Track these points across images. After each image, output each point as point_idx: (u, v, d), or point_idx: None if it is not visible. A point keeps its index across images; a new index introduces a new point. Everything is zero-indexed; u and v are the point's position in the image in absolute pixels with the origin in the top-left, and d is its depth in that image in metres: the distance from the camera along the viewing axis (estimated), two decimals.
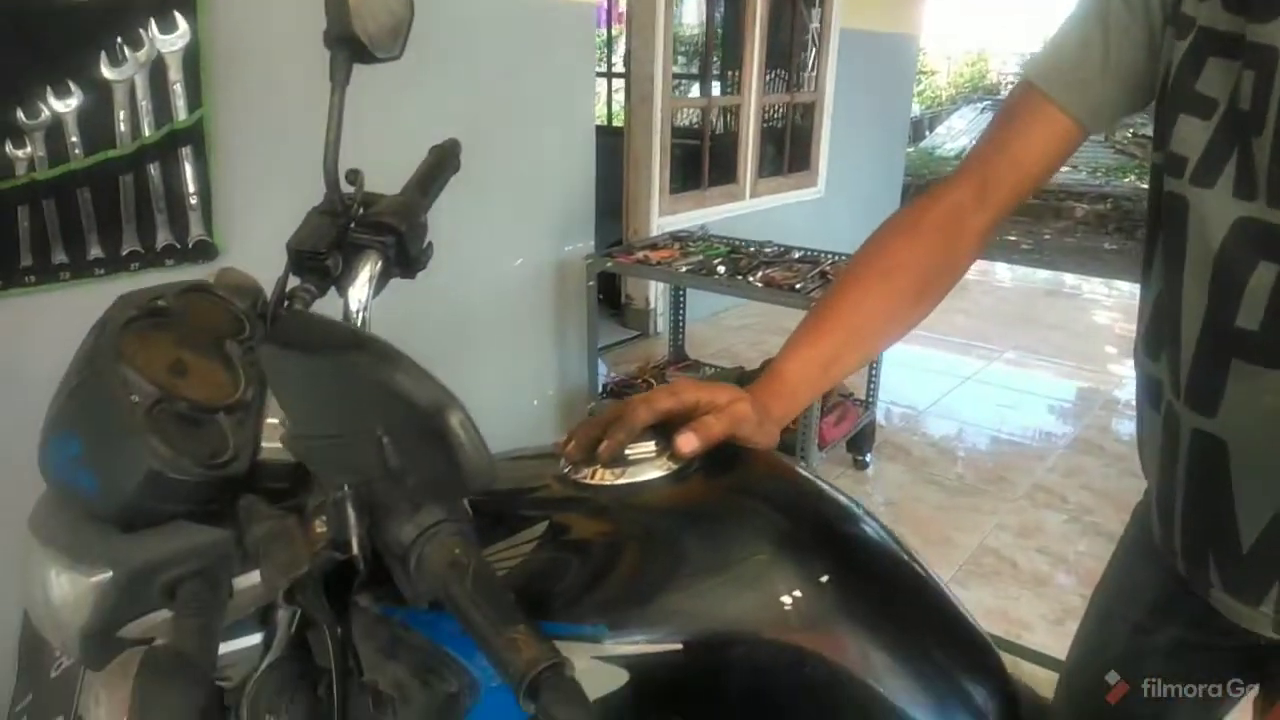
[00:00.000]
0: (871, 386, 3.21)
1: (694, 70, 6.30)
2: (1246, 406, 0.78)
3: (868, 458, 3.26)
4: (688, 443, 0.69)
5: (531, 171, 3.10)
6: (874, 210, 5.74)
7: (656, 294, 4.48)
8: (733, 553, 0.63)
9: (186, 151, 2.03)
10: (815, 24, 5.22)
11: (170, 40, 1.95)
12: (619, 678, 0.59)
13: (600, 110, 7.20)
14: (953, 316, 5.09)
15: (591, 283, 3.11)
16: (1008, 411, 3.83)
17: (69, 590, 0.63)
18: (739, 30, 4.88)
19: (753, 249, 3.22)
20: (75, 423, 0.66)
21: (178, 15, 1.95)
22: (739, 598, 0.61)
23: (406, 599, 0.61)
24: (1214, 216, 0.77)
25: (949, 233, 0.90)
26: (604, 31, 8.04)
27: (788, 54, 5.29)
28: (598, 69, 8.03)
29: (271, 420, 0.73)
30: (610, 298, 4.64)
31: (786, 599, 0.61)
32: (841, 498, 0.74)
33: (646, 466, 0.69)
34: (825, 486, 0.75)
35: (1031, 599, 2.52)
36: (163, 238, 2.04)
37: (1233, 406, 0.79)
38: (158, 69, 1.94)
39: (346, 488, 0.60)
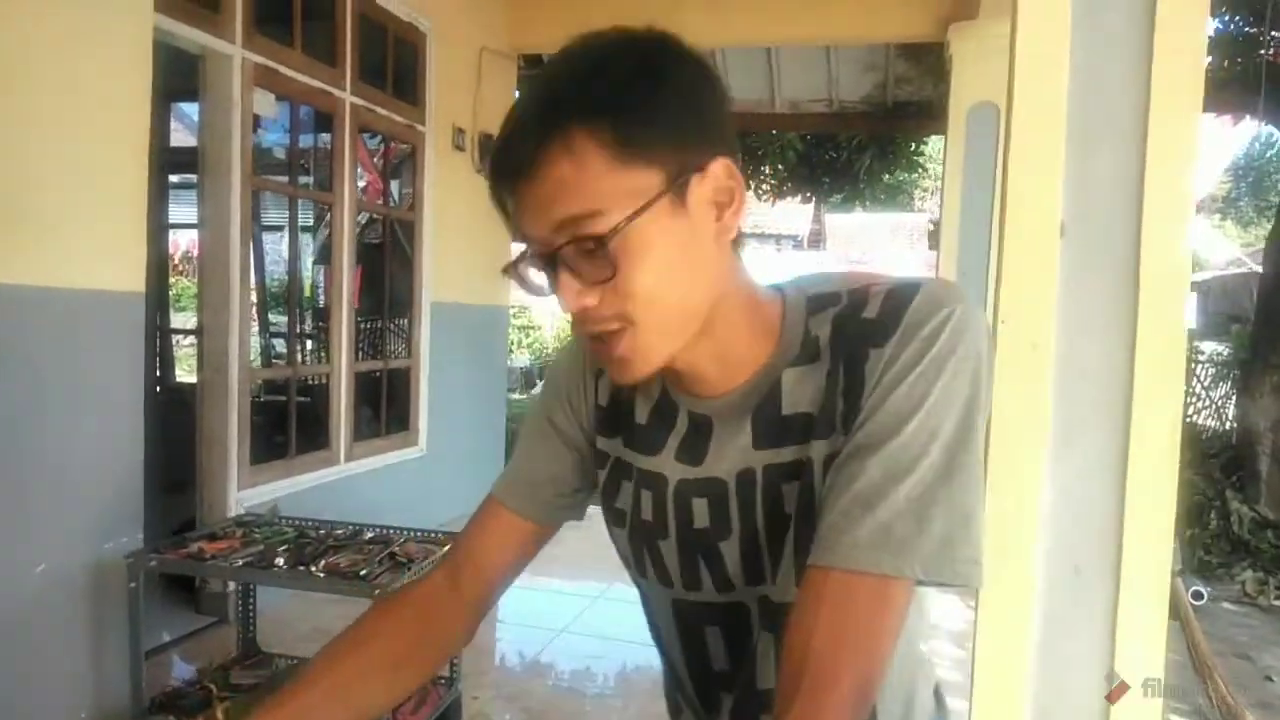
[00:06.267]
0: (454, 665, 3.17)
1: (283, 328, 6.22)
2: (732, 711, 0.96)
3: None
4: None
5: (58, 468, 2.81)
6: (479, 463, 5.99)
7: None
8: None
9: None
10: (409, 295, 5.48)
11: None
12: None
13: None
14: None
15: (134, 584, 2.79)
16: (595, 661, 3.97)
17: None
18: (329, 298, 4.96)
19: (323, 531, 3.11)
20: None
21: None
22: None
23: None
24: (658, 600, 0.98)
25: (425, 611, 0.99)
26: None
27: (382, 324, 5.48)
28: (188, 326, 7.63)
29: None
30: (184, 580, 4.20)
31: None
32: None
33: None
34: None
35: None
36: None
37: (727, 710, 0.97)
38: None
39: None
